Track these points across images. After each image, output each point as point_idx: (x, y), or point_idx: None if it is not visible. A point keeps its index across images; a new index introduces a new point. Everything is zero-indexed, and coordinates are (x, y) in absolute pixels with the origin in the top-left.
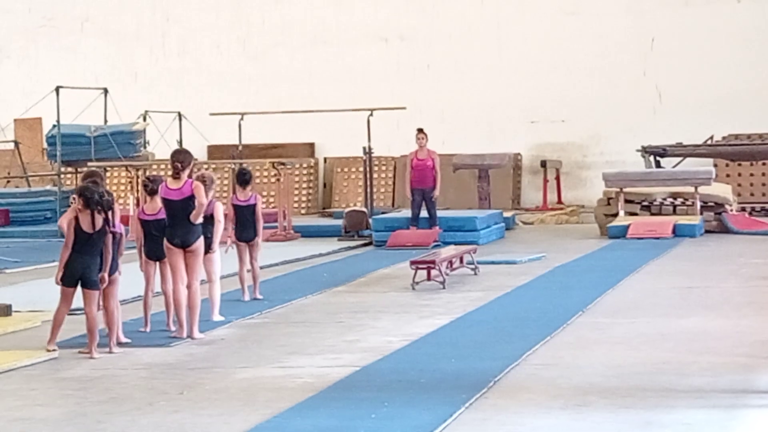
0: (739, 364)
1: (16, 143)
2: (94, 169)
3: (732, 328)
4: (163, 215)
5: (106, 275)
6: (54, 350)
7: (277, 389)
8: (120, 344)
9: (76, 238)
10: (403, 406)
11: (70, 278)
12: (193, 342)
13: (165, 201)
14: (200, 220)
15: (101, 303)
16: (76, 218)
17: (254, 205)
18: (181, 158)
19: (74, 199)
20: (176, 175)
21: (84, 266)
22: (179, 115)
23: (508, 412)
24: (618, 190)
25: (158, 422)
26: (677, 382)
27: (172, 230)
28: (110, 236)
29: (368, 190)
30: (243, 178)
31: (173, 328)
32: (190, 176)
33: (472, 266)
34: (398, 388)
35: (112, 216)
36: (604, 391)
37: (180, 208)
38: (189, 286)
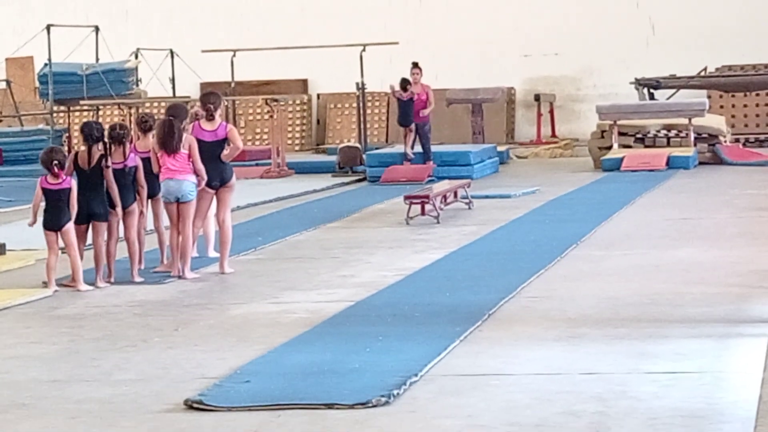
0: (733, 294)
1: (8, 82)
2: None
3: (725, 258)
4: None
5: (119, 208)
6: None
7: (272, 325)
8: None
9: (78, 174)
10: (398, 340)
11: (79, 216)
12: (188, 279)
13: (197, 141)
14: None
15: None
16: (76, 155)
17: None
18: (212, 100)
19: (66, 139)
20: (210, 117)
21: (87, 201)
22: (171, 52)
23: (502, 344)
24: (612, 122)
25: (152, 359)
26: (670, 312)
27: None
28: (108, 171)
29: (362, 125)
30: None
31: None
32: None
33: (466, 200)
34: (393, 322)
35: (124, 149)
36: (598, 323)
37: (212, 149)
38: (223, 221)
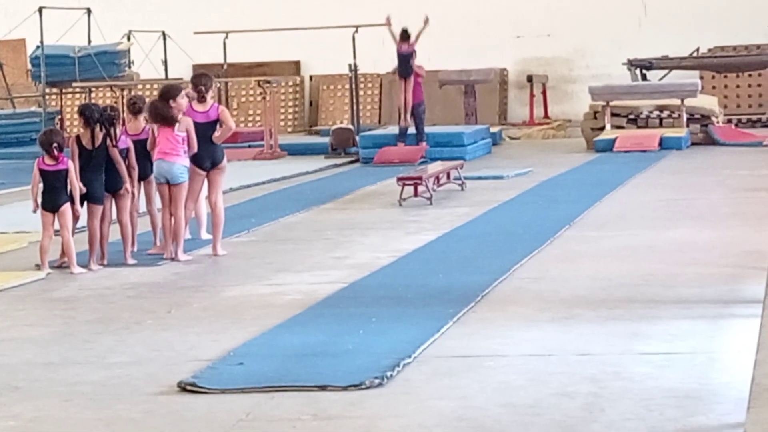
0: (725, 275)
1: (0, 65)
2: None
3: (718, 239)
4: (146, 135)
5: (128, 185)
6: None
7: (265, 306)
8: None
9: (79, 156)
10: (391, 322)
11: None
12: (181, 261)
13: None
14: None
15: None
16: (78, 137)
17: None
18: (204, 81)
19: (59, 121)
20: (202, 99)
21: (87, 182)
22: (163, 34)
23: (495, 325)
24: (604, 103)
25: (146, 341)
26: (663, 293)
27: (196, 153)
28: (115, 150)
29: (354, 107)
30: None
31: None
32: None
33: (459, 182)
34: (386, 303)
35: (115, 131)
36: (591, 303)
37: (204, 130)
38: (215, 204)
